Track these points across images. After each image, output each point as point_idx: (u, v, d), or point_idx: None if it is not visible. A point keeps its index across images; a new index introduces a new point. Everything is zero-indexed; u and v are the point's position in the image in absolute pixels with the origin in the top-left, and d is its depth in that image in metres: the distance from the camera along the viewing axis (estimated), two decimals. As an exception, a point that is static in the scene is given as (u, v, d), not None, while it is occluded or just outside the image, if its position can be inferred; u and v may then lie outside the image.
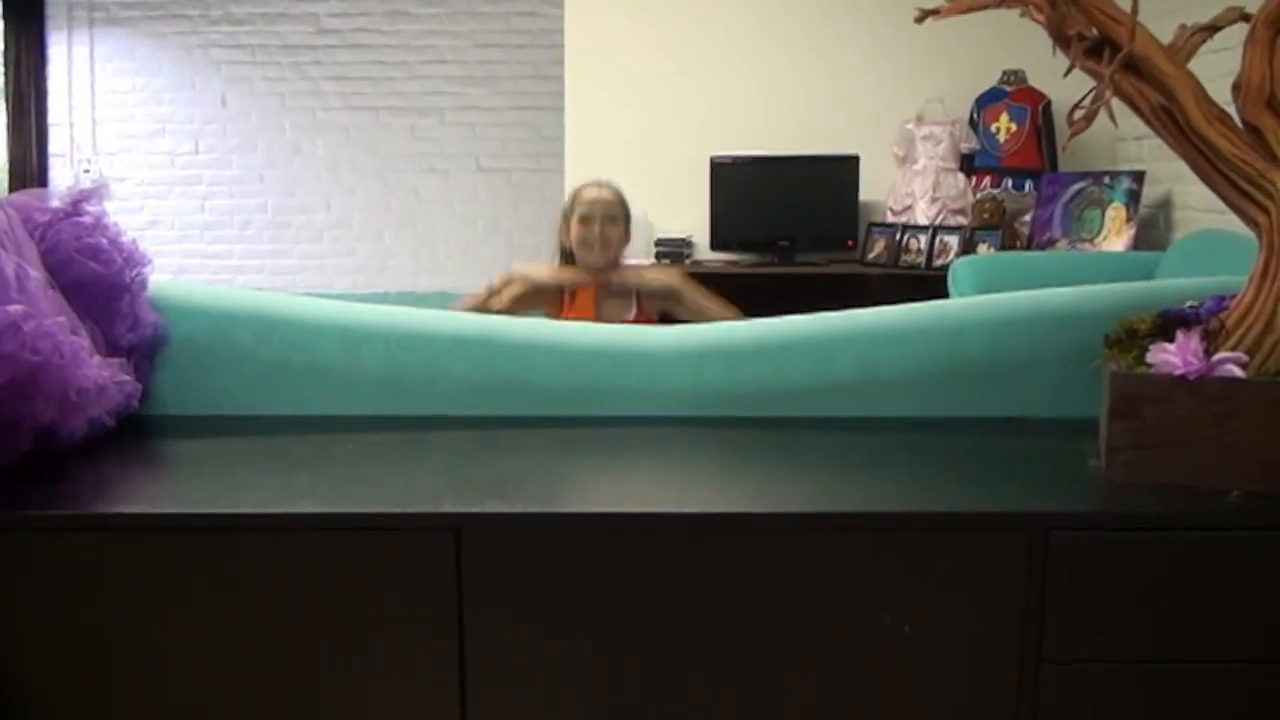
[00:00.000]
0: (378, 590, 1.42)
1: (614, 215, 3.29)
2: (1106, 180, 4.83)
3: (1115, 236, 4.72)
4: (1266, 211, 1.53)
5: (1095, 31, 1.57)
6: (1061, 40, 1.58)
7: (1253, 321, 1.54)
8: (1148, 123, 1.60)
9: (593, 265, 3.27)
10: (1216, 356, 1.50)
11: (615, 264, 3.33)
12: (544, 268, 3.36)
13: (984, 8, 1.58)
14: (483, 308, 3.19)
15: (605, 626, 1.43)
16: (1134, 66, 1.56)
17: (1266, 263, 1.54)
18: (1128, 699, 1.44)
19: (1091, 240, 4.78)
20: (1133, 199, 4.72)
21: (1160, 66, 1.55)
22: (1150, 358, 1.55)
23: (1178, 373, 1.50)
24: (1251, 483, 1.48)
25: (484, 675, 1.43)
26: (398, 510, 1.44)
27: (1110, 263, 4.46)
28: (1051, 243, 4.87)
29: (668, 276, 3.36)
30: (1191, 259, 3.95)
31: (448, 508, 1.44)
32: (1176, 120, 1.57)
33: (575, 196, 3.35)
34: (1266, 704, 1.43)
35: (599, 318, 3.24)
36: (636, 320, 3.28)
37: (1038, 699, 1.43)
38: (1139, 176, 4.74)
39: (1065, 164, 5.09)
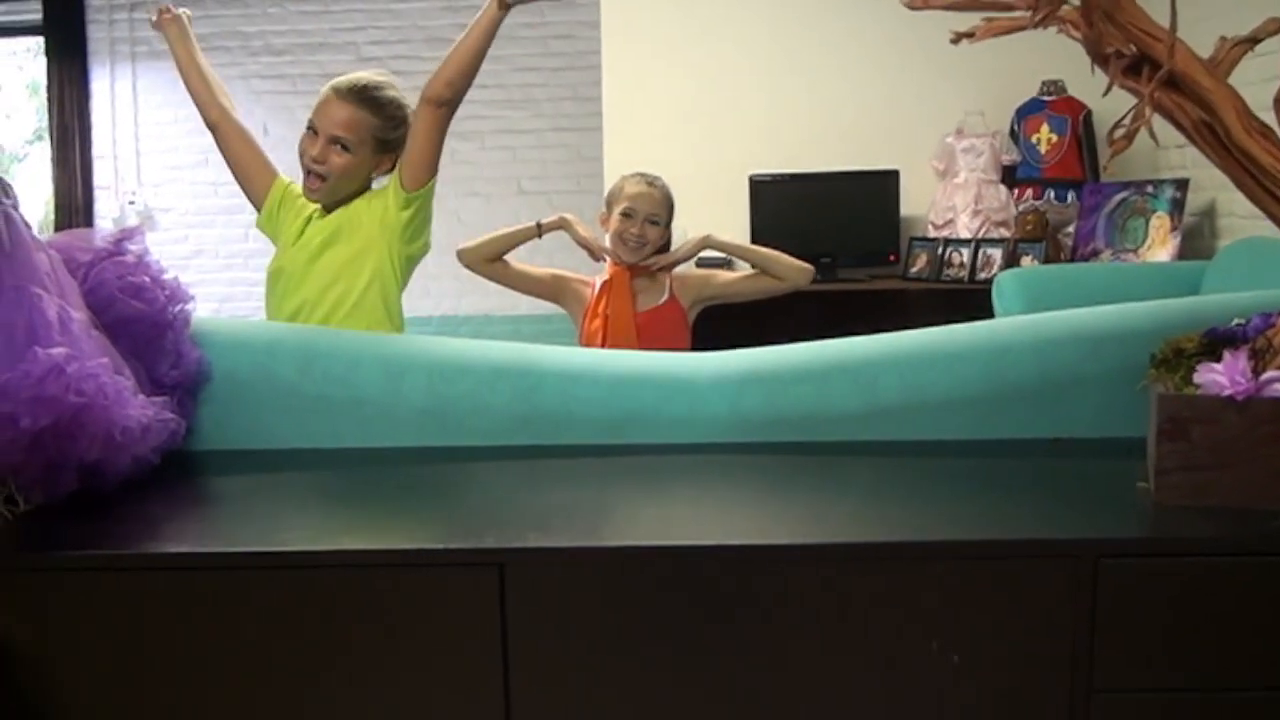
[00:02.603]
0: (422, 626, 1.42)
1: (657, 217, 3.26)
2: (1150, 189, 4.77)
3: (1160, 246, 4.66)
4: (1313, 227, 1.50)
5: (1133, 48, 1.56)
6: (1100, 58, 1.56)
7: (1302, 339, 1.51)
8: (1189, 138, 1.58)
9: (626, 260, 3.26)
10: (1265, 376, 1.48)
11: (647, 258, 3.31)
12: (585, 228, 3.35)
13: (1019, 29, 1.56)
14: (518, 240, 3.27)
15: (651, 660, 1.42)
16: (1174, 82, 1.54)
17: (1315, 279, 1.52)
18: (1182, 727, 1.41)
19: (1136, 251, 4.72)
20: (1176, 208, 4.67)
21: (1200, 81, 1.53)
22: (1198, 378, 1.52)
23: (1226, 393, 1.48)
24: (1305, 504, 1.46)
25: (529, 711, 1.43)
26: (441, 546, 1.44)
27: (1156, 273, 4.40)
28: (1095, 254, 4.82)
29: (694, 238, 3.36)
30: (1238, 267, 3.89)
31: (491, 543, 1.43)
32: (1218, 135, 1.55)
33: (620, 187, 3.30)
34: (1326, 730, 1.40)
35: (627, 304, 3.24)
36: (667, 305, 3.28)
37: (1090, 729, 1.40)
38: (1182, 185, 4.68)
39: (1107, 174, 5.04)
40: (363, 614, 1.42)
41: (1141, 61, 1.55)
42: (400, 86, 2.66)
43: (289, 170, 2.82)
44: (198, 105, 2.68)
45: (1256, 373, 1.48)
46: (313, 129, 2.55)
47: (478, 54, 2.46)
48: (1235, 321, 1.61)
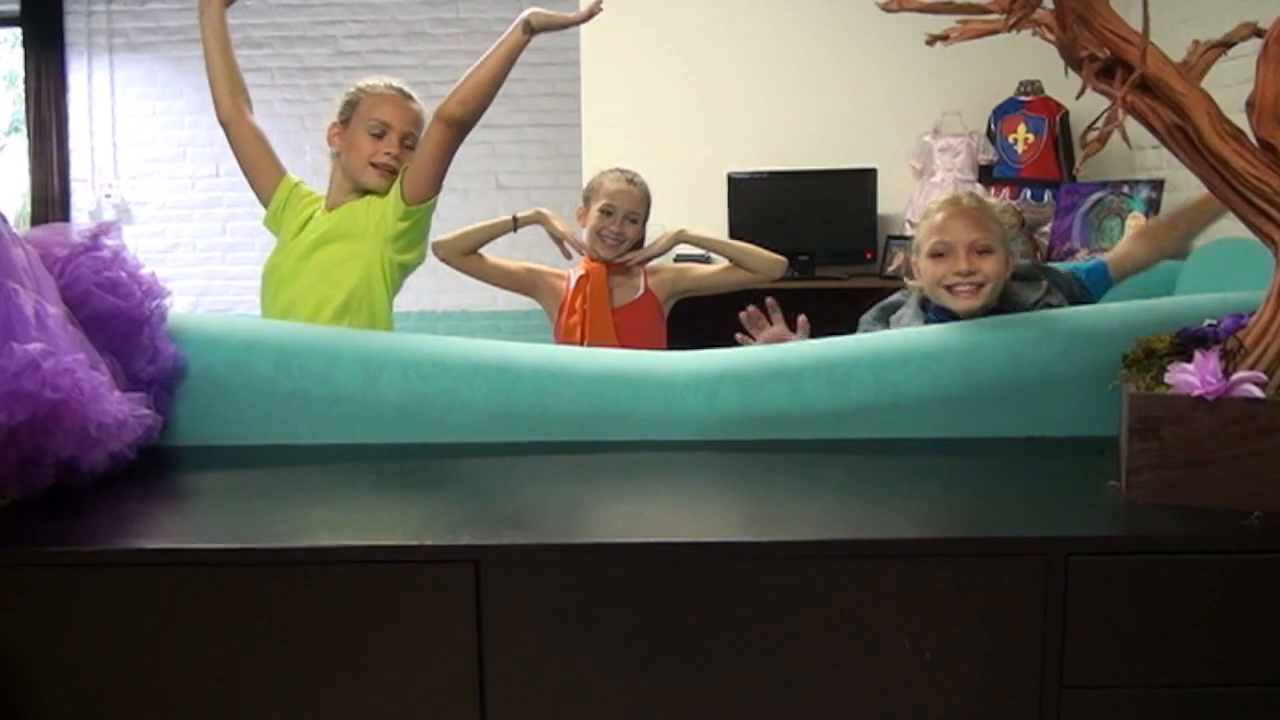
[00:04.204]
0: (398, 623, 1.42)
1: (636, 214, 3.26)
2: (1125, 189, 4.80)
3: (1135, 246, 4.69)
4: (1282, 229, 1.52)
5: (1107, 52, 1.57)
6: (1074, 62, 1.57)
7: (1271, 340, 1.53)
8: (1162, 141, 1.60)
9: (603, 257, 3.25)
10: (1235, 376, 1.49)
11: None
12: (562, 222, 3.33)
13: (993, 33, 1.58)
14: (493, 234, 3.22)
15: (625, 657, 1.43)
16: (1147, 86, 1.56)
17: (1284, 281, 1.53)
18: (1151, 723, 1.43)
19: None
20: (1152, 207, 4.70)
21: (1173, 85, 1.55)
22: (1169, 378, 1.54)
23: (1197, 393, 1.49)
24: (1273, 504, 1.47)
25: (504, 707, 1.43)
26: (416, 543, 1.44)
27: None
28: (1071, 253, 4.84)
29: (668, 233, 3.34)
30: (1212, 268, 3.92)
31: (466, 539, 1.44)
32: (1191, 138, 1.56)
33: (599, 183, 3.28)
34: (1292, 727, 1.42)
35: (604, 300, 3.23)
36: (643, 300, 3.28)
37: (1060, 725, 1.42)
38: (1158, 185, 4.71)
39: (1082, 175, 5.06)
40: (338, 610, 1.43)
41: (1115, 65, 1.57)
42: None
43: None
44: (215, 99, 2.67)
45: (1227, 373, 1.50)
46: (376, 132, 2.56)
47: (496, 77, 2.47)
48: (1207, 322, 1.63)
